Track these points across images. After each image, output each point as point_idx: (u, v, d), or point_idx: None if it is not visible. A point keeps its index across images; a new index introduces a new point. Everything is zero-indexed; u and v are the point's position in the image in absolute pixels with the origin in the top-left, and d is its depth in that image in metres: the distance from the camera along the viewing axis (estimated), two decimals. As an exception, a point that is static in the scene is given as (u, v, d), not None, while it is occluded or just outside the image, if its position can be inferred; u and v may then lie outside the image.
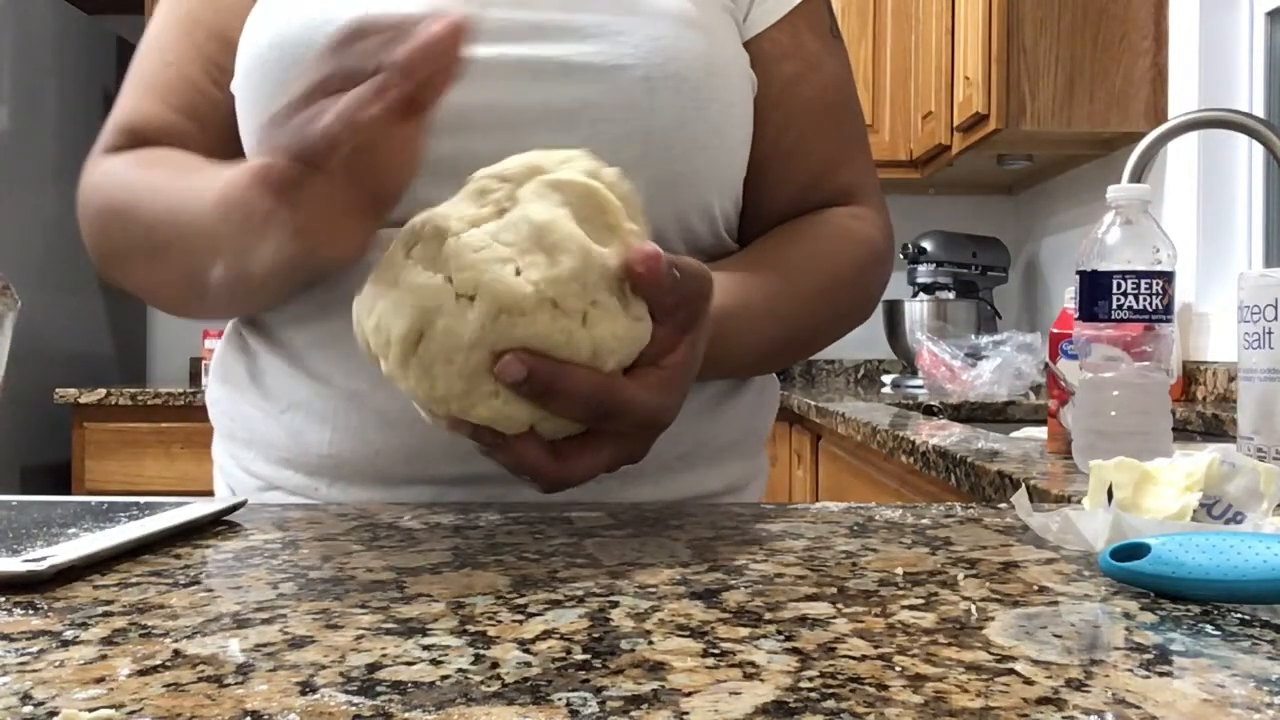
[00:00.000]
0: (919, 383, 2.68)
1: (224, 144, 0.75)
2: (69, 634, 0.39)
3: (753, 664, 0.36)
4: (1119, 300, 0.86)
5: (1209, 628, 0.41)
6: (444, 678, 0.35)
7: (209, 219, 0.61)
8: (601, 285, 0.53)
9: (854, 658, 0.37)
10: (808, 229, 0.79)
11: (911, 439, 1.39)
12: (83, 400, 2.86)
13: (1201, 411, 1.76)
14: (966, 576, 0.49)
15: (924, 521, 0.62)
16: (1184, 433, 1.71)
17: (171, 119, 0.76)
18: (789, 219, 0.80)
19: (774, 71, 0.78)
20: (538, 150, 0.57)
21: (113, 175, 0.74)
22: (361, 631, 0.40)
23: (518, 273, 0.52)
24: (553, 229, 0.53)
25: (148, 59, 0.78)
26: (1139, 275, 0.86)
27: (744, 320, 0.71)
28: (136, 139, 0.76)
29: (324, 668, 0.36)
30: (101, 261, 0.76)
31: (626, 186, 0.57)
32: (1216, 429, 1.69)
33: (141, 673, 0.35)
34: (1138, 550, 0.45)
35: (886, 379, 3.06)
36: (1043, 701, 0.33)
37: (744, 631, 0.40)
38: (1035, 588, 0.47)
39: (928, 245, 3.03)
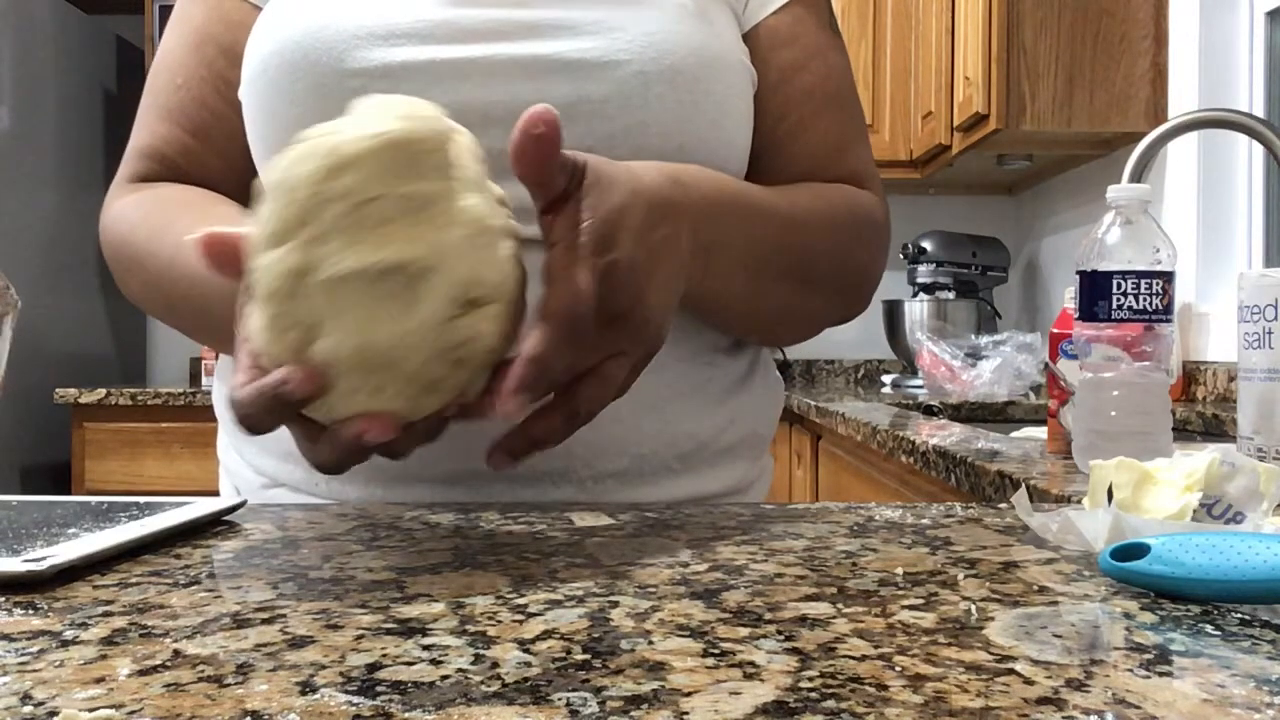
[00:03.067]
0: (919, 383, 2.68)
1: (238, 162, 0.77)
2: (69, 634, 0.39)
3: (753, 664, 0.36)
4: (1119, 300, 0.86)
5: (1209, 628, 0.41)
6: (444, 678, 0.35)
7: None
8: (447, 314, 0.49)
9: (854, 658, 0.37)
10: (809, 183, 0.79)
11: (911, 439, 1.39)
12: (83, 400, 2.86)
13: (1201, 411, 1.76)
14: (966, 576, 0.49)
15: (924, 521, 0.62)
16: (1184, 433, 1.71)
17: (187, 143, 0.78)
18: None
19: (772, 59, 0.78)
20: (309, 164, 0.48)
21: (124, 221, 0.76)
22: (361, 631, 0.40)
23: (377, 390, 0.49)
24: (372, 347, 0.49)
25: (162, 79, 0.80)
26: (1139, 275, 0.86)
27: (742, 210, 0.69)
28: (157, 163, 0.78)
29: (324, 668, 0.36)
30: (122, 291, 0.79)
31: (426, 135, 0.50)
32: (1216, 429, 1.69)
33: (141, 673, 0.35)
34: (1138, 550, 0.45)
35: (886, 379, 3.06)
36: (1043, 701, 0.33)
37: (744, 631, 0.40)
38: (1035, 588, 0.47)
39: (927, 245, 3.03)
